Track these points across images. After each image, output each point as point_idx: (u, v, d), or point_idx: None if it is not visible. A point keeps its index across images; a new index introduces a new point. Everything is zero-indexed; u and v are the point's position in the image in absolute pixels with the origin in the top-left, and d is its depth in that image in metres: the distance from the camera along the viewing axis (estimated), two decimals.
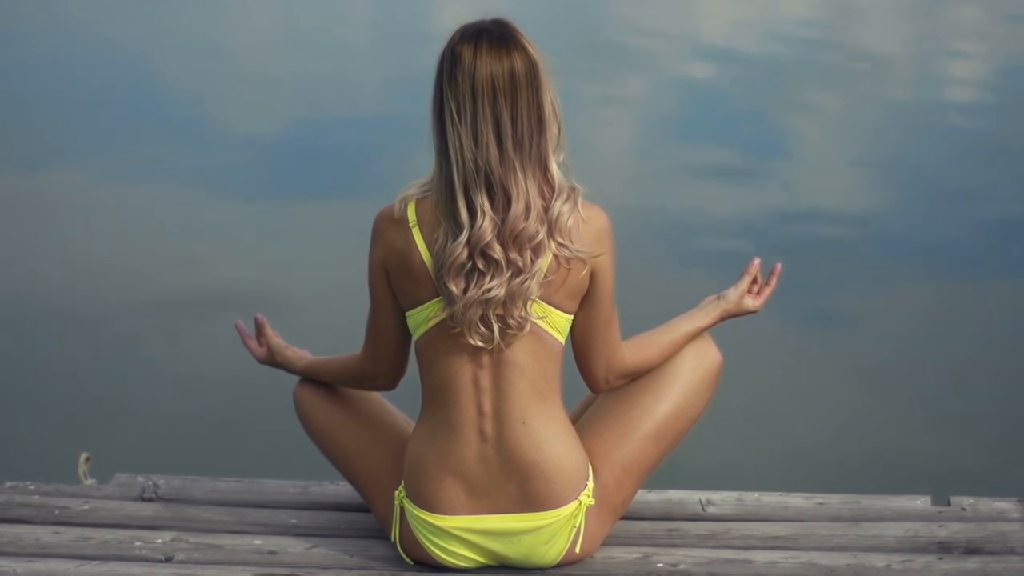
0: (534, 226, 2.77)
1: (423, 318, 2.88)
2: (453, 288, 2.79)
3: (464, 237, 2.77)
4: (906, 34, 12.45)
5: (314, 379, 3.22)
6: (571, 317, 2.90)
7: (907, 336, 5.97)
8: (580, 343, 2.95)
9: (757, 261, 3.20)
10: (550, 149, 2.80)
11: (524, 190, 2.77)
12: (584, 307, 2.90)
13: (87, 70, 10.34)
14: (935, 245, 7.07)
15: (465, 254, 2.78)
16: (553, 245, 2.80)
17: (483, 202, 2.76)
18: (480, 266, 2.78)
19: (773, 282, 3.20)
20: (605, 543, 3.08)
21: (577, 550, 2.99)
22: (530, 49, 2.80)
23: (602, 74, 10.45)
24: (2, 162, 8.27)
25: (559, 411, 2.94)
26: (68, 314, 6.08)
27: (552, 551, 2.97)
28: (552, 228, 2.79)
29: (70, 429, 5.03)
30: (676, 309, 3.16)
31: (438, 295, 2.84)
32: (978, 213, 7.54)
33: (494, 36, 2.79)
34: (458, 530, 2.94)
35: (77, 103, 9.48)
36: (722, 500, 3.36)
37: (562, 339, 2.91)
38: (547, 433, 2.90)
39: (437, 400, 2.92)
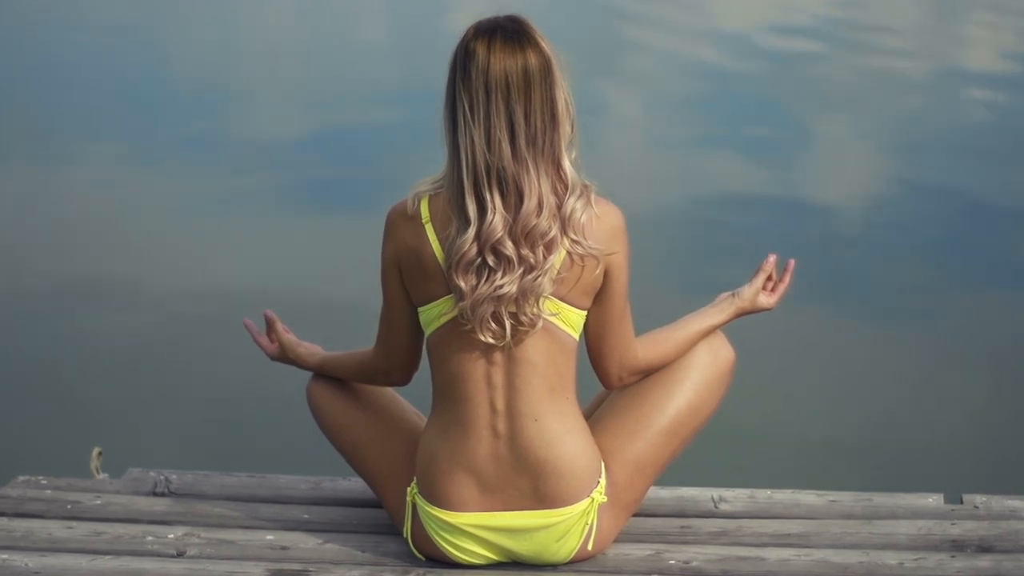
0: (546, 223, 2.77)
1: (435, 314, 2.88)
2: (462, 284, 2.79)
3: (472, 233, 2.76)
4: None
5: (327, 375, 3.22)
6: (584, 313, 2.90)
7: (919, 333, 5.96)
8: (594, 339, 2.95)
9: (772, 258, 3.19)
10: (563, 146, 2.80)
11: (537, 187, 2.76)
12: (597, 303, 2.89)
13: (103, 72, 10.33)
14: (950, 240, 7.06)
15: (474, 250, 2.77)
16: (567, 242, 2.80)
17: (495, 198, 2.75)
18: (490, 262, 2.77)
19: (787, 279, 3.19)
20: (617, 540, 3.08)
21: (589, 547, 2.99)
22: (544, 46, 2.79)
23: (614, 66, 10.45)
24: (15, 159, 8.28)
25: (572, 408, 2.93)
26: (81, 310, 6.09)
27: (564, 548, 2.97)
28: (565, 225, 2.79)
29: (82, 424, 5.04)
30: (690, 306, 3.16)
31: (450, 292, 2.83)
32: (998, 208, 7.54)
33: (508, 32, 2.78)
34: (470, 527, 2.94)
35: (90, 104, 9.48)
36: (734, 497, 3.36)
37: (576, 335, 2.90)
38: (560, 430, 2.90)
39: (449, 397, 2.92)
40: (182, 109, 9.34)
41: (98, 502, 3.35)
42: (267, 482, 3.48)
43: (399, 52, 11.19)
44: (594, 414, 3.09)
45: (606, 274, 2.86)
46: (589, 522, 2.96)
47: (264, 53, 10.95)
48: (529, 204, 2.75)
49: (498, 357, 2.87)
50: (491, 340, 2.83)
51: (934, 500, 3.34)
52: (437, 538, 2.97)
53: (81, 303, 6.16)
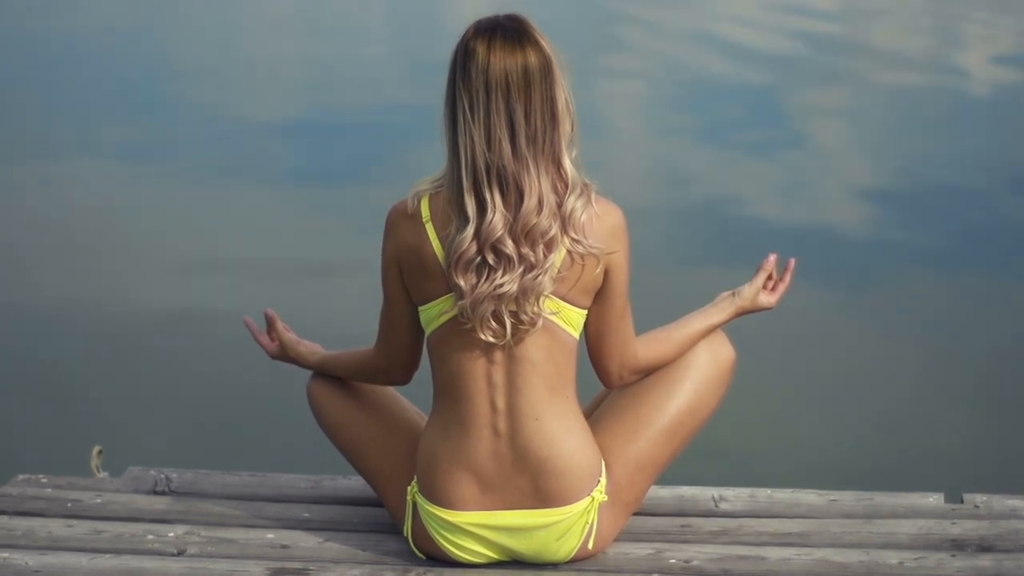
0: (547, 221, 2.77)
1: (435, 313, 2.88)
2: (462, 283, 2.79)
3: (470, 231, 2.76)
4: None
5: (327, 373, 3.22)
6: (585, 312, 2.90)
7: (920, 334, 5.96)
8: (594, 338, 2.95)
9: (772, 257, 3.19)
10: (563, 145, 2.80)
11: (537, 185, 2.76)
12: (598, 302, 2.89)
13: (103, 72, 10.33)
14: (953, 240, 7.06)
15: (474, 248, 2.77)
16: (567, 241, 2.80)
17: (495, 197, 2.75)
18: (490, 261, 2.77)
19: (788, 278, 3.19)
20: (618, 539, 3.08)
21: (590, 546, 2.99)
22: (544, 44, 2.79)
23: (616, 63, 10.45)
24: (15, 158, 8.28)
25: (573, 407, 2.93)
26: (81, 309, 6.09)
27: (564, 547, 2.97)
28: (565, 224, 2.79)
29: (83, 422, 5.04)
30: (690, 305, 3.16)
31: (451, 290, 2.83)
32: (996, 206, 7.53)
33: (508, 31, 2.78)
34: (470, 525, 2.94)
35: (90, 90, 9.50)
36: (735, 496, 3.36)
37: (576, 334, 2.90)
38: (560, 429, 2.90)
39: (450, 396, 2.92)
40: (182, 109, 9.35)
41: (98, 501, 3.35)
42: (267, 481, 3.48)
43: (399, 51, 11.19)
44: (594, 413, 3.09)
45: (606, 273, 2.86)
46: (589, 521, 2.96)
47: (265, 52, 10.96)
48: (529, 203, 2.75)
49: (498, 356, 2.87)
50: (491, 339, 2.83)
51: (934, 499, 3.34)
52: (438, 537, 2.97)
53: (81, 301, 6.16)
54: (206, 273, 6.48)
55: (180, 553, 3.09)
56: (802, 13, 12.10)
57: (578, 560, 3.01)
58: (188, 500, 3.36)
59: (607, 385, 3.05)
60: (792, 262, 3.20)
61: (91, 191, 7.70)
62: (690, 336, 3.08)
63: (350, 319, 4.48)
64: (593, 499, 2.95)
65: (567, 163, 2.80)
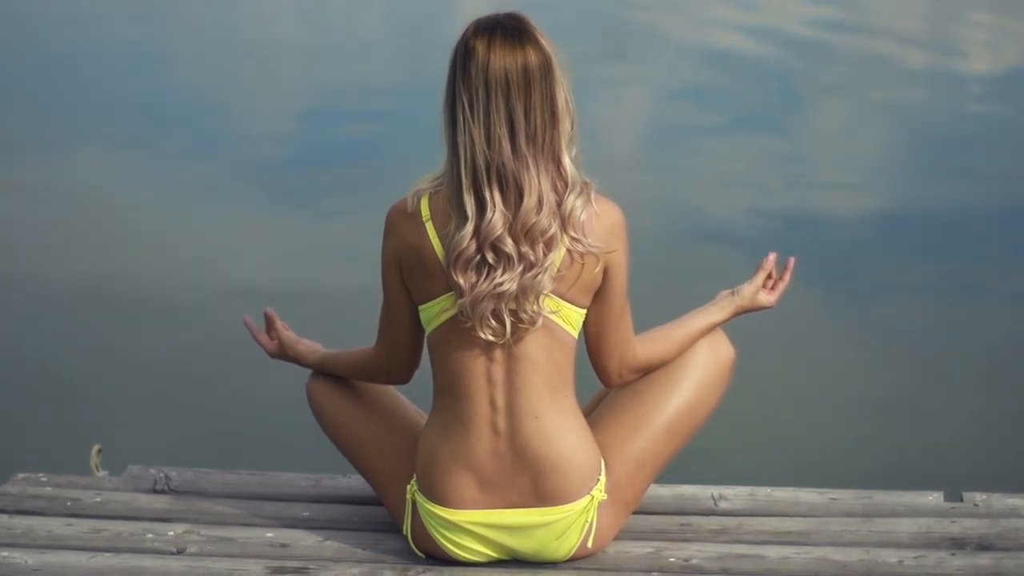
0: (546, 220, 2.77)
1: (435, 312, 2.88)
2: (462, 281, 2.79)
3: (470, 229, 2.76)
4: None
5: (326, 372, 3.22)
6: (584, 311, 2.90)
7: (921, 332, 5.96)
8: (593, 337, 2.95)
9: (772, 256, 3.19)
10: (563, 143, 2.80)
11: (537, 184, 2.76)
12: (597, 302, 2.89)
13: (103, 72, 10.33)
14: (954, 239, 7.06)
15: (473, 247, 2.77)
16: (567, 239, 2.80)
17: (494, 196, 2.75)
18: (490, 259, 2.77)
19: (787, 277, 3.19)
20: (617, 538, 3.08)
21: (589, 545, 2.99)
22: (544, 43, 2.79)
23: (620, 60, 10.46)
24: (14, 159, 8.29)
25: (572, 405, 2.93)
26: (80, 308, 6.09)
27: (564, 546, 2.97)
28: (565, 222, 2.79)
29: (82, 421, 5.04)
30: (689, 304, 3.16)
31: (451, 289, 2.83)
32: (997, 198, 7.53)
33: (508, 30, 2.78)
34: (470, 524, 2.94)
35: (90, 100, 9.49)
36: (734, 495, 3.36)
37: (575, 333, 2.90)
38: (560, 428, 2.90)
39: (449, 394, 2.92)
40: (181, 108, 9.34)
41: (98, 499, 3.35)
42: (267, 479, 3.48)
43: (399, 49, 11.19)
44: (594, 412, 3.09)
45: (606, 272, 2.86)
46: (589, 520, 2.96)
47: (264, 52, 10.96)
48: (529, 201, 2.75)
49: (498, 354, 2.87)
50: (491, 338, 2.83)
51: (934, 498, 3.34)
52: (437, 535, 2.97)
53: (80, 302, 6.16)
54: (205, 272, 6.48)
55: (180, 552, 3.09)
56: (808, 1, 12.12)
57: (578, 559, 3.01)
58: (188, 499, 3.36)
59: (607, 384, 3.06)
60: (792, 261, 3.20)
61: (92, 191, 7.70)
62: (690, 335, 3.08)
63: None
64: (592, 498, 2.95)
65: (567, 162, 2.80)
